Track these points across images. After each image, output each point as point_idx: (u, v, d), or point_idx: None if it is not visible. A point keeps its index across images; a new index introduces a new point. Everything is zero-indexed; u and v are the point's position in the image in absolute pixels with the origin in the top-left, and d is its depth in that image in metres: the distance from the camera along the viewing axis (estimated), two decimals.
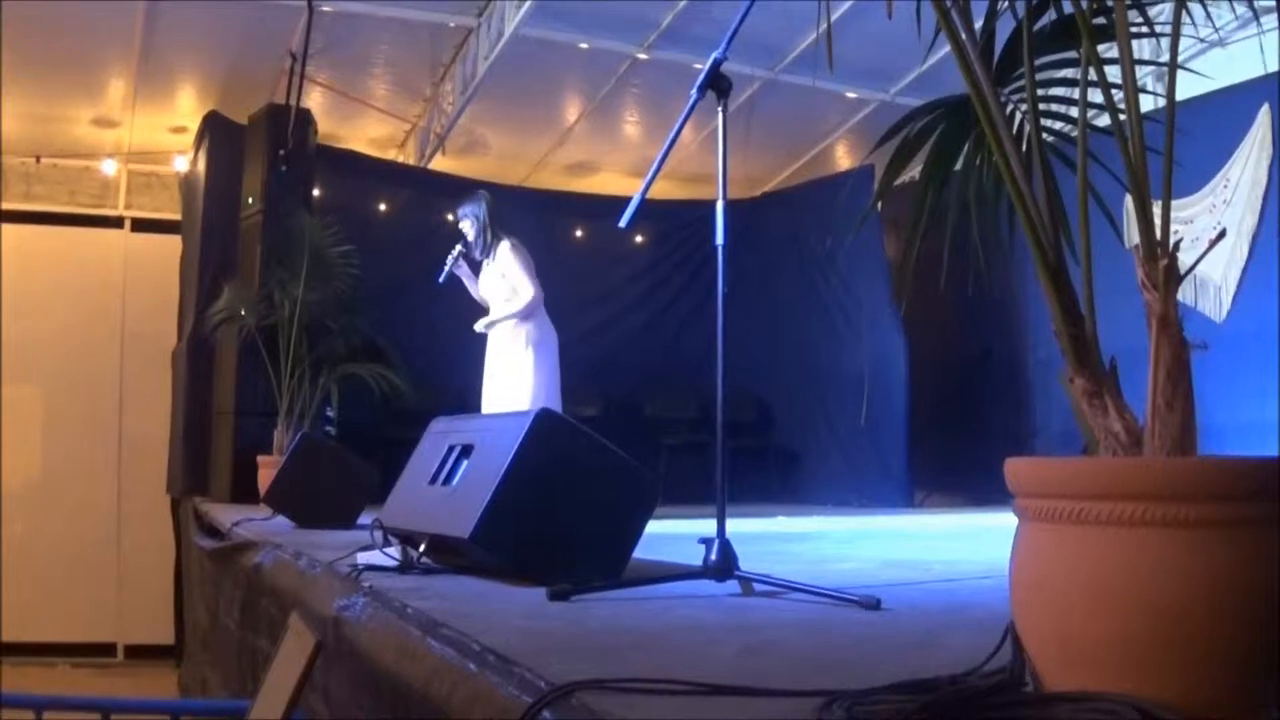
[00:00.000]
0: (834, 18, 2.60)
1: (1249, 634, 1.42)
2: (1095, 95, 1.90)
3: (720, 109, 3.41)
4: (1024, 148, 2.08)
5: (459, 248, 6.90)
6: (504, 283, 6.81)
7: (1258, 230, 7.62)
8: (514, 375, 6.74)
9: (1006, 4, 2.26)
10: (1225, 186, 7.78)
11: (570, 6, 8.38)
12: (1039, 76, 2.23)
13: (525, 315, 6.77)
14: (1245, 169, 7.70)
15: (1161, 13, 2.35)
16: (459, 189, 9.83)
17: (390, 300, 9.01)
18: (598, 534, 3.53)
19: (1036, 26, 2.18)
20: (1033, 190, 1.82)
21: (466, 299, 7.11)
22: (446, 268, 6.88)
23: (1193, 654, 1.42)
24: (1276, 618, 1.42)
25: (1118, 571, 1.45)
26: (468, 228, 6.94)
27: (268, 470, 6.96)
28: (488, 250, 6.89)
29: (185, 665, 8.60)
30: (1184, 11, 1.87)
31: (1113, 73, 1.87)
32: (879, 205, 5.27)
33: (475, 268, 6.99)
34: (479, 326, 6.88)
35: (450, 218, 6.91)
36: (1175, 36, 1.84)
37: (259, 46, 8.88)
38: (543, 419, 3.55)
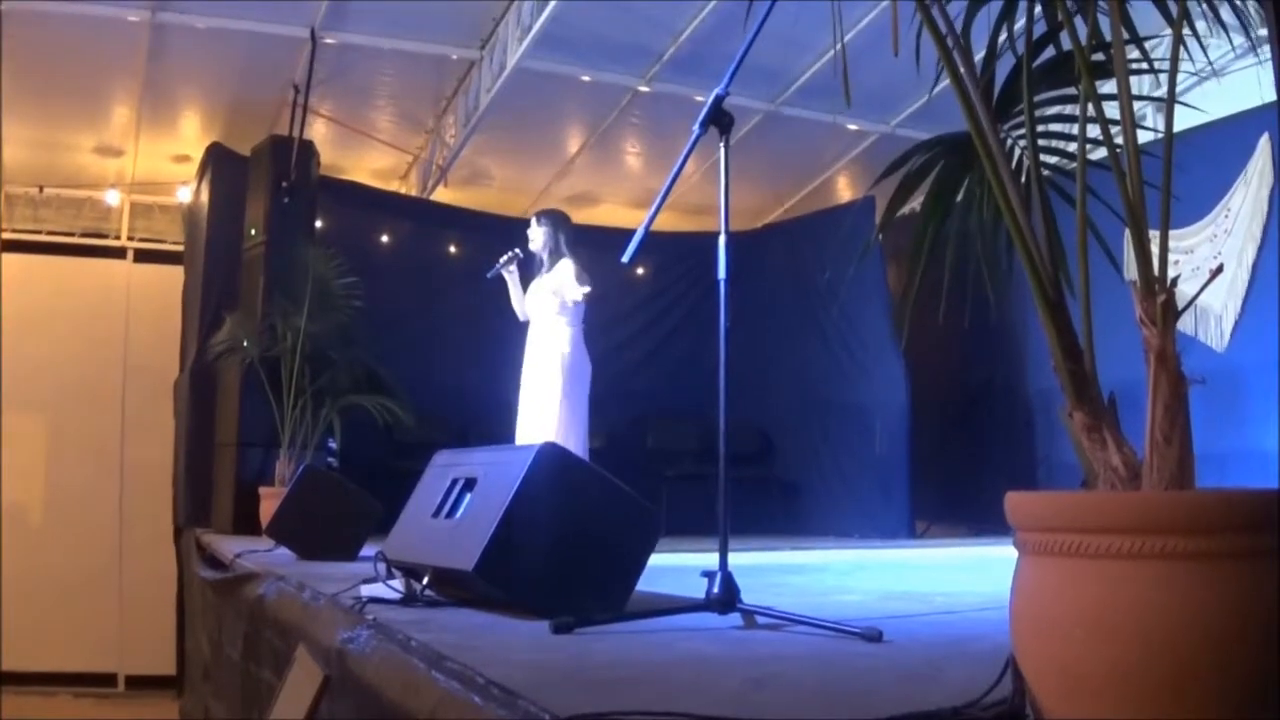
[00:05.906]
0: (838, 49, 2.62)
1: (1247, 665, 1.43)
2: (1094, 130, 1.92)
3: (722, 145, 3.41)
4: (1023, 182, 2.10)
5: (515, 251, 6.88)
6: (554, 299, 6.79)
7: (1258, 260, 7.65)
8: (543, 401, 6.73)
9: (1007, 41, 2.28)
10: (1226, 216, 7.81)
11: (572, 39, 8.43)
12: (1038, 113, 2.25)
13: (566, 311, 6.76)
14: (1246, 198, 7.72)
15: (1158, 46, 2.37)
16: (461, 220, 9.88)
17: (392, 331, 9.01)
18: (601, 567, 3.53)
19: (1036, 63, 2.20)
20: (1032, 225, 1.83)
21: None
22: (497, 266, 6.87)
23: (1191, 685, 1.43)
24: (1274, 648, 1.43)
25: (1116, 604, 1.46)
26: (538, 236, 6.92)
27: (270, 501, 6.95)
28: (549, 265, 6.89)
29: (186, 696, 8.57)
30: (1181, 47, 1.89)
31: (1111, 108, 1.88)
32: (880, 237, 5.29)
33: (524, 282, 6.99)
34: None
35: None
36: (1173, 73, 1.86)
37: (262, 77, 8.93)
38: (546, 453, 3.56)
